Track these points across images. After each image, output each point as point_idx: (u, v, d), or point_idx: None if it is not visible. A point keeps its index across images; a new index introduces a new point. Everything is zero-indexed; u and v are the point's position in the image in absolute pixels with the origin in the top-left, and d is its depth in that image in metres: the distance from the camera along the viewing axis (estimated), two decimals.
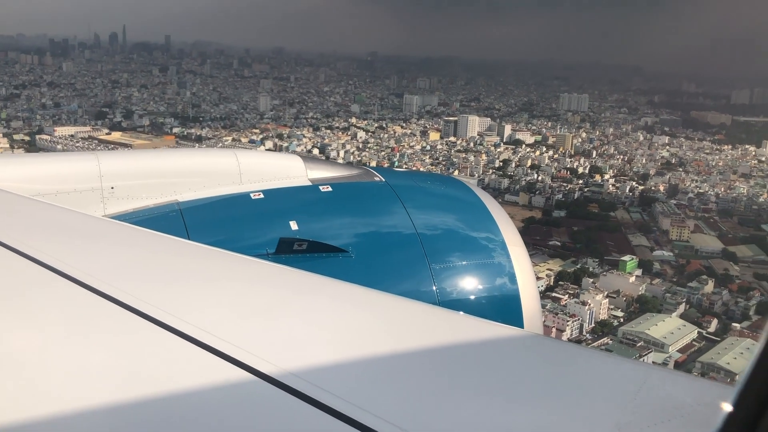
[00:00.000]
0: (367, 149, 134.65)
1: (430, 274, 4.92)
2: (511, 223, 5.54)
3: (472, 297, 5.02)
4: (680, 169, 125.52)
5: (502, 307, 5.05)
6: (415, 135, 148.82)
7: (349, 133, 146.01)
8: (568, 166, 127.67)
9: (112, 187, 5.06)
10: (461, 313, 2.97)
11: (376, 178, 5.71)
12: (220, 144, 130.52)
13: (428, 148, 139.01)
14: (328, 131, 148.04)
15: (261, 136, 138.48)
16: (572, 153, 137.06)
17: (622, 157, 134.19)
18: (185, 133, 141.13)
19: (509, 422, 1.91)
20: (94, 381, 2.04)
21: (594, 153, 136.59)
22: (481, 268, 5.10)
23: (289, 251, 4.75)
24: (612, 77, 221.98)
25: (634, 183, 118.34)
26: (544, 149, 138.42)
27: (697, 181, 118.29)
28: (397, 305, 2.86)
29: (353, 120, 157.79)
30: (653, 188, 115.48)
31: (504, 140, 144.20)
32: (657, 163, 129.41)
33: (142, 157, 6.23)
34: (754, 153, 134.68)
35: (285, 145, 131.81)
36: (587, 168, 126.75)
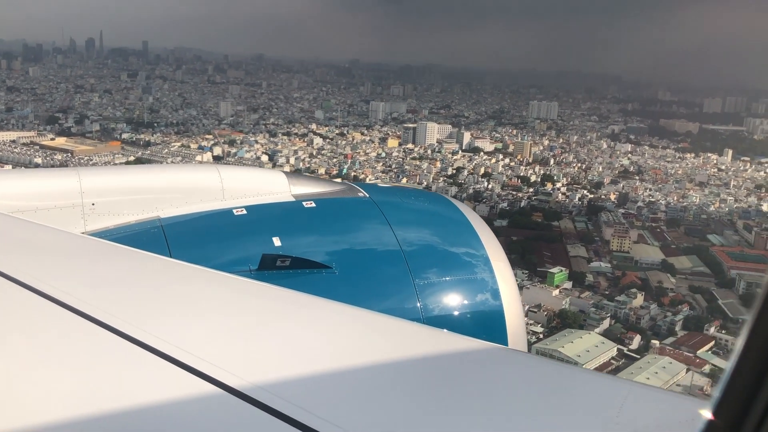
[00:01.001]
0: (318, 156, 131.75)
1: (414, 290, 4.89)
2: (495, 239, 5.49)
3: (456, 313, 4.99)
4: (636, 177, 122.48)
5: (486, 323, 5.03)
6: (373, 142, 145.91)
7: (305, 140, 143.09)
8: (522, 174, 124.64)
9: (93, 204, 5.01)
10: (444, 330, 3.04)
11: (360, 194, 5.69)
12: (166, 150, 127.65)
13: (383, 155, 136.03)
14: (285, 137, 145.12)
15: (212, 142, 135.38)
16: (530, 161, 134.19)
17: (579, 165, 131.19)
18: (134, 139, 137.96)
19: None
20: (69, 401, 2.01)
21: (552, 161, 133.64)
22: (465, 283, 5.07)
23: (272, 267, 4.72)
24: (589, 85, 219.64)
25: (585, 192, 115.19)
26: (501, 157, 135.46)
27: (651, 189, 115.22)
28: (379, 323, 2.90)
29: (314, 126, 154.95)
30: (603, 197, 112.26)
31: (463, 148, 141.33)
32: (614, 172, 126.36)
33: (123, 172, 6.02)
34: (715, 161, 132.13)
35: (234, 151, 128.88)
36: (541, 176, 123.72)
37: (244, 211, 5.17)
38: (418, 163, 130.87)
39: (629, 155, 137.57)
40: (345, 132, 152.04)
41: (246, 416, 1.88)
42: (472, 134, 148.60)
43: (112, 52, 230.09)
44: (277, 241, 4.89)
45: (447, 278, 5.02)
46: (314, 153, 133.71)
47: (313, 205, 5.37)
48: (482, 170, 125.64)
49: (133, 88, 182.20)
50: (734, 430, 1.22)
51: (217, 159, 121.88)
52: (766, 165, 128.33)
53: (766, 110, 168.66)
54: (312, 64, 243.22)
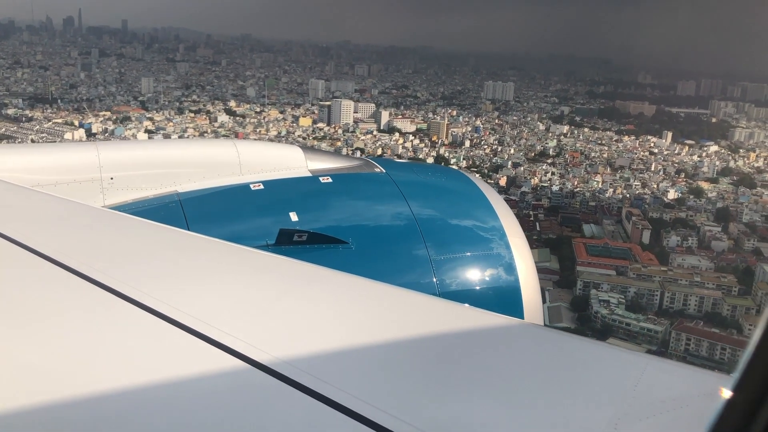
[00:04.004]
0: (210, 135, 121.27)
1: (430, 265, 4.90)
2: (512, 214, 5.46)
3: (473, 288, 4.99)
4: (549, 161, 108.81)
5: (503, 297, 5.03)
6: (286, 120, 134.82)
7: (209, 117, 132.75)
8: (422, 156, 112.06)
9: (112, 178, 5.04)
10: (460, 303, 3.05)
11: (377, 169, 5.69)
12: (38, 127, 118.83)
13: (284, 133, 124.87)
14: (191, 114, 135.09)
15: (100, 119, 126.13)
16: (446, 142, 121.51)
17: (490, 147, 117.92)
18: (18, 115, 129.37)
19: (507, 413, 1.92)
20: (92, 371, 2.04)
21: (468, 143, 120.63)
22: (482, 259, 5.06)
23: (289, 242, 4.75)
24: (571, 68, 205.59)
25: (478, 176, 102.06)
26: (411, 138, 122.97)
27: (555, 173, 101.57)
28: (396, 296, 2.92)
29: (232, 103, 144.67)
30: (489, 181, 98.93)
31: (381, 128, 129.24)
32: (529, 154, 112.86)
33: (141, 147, 6.05)
34: (652, 144, 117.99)
35: (113, 128, 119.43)
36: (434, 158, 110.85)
37: (261, 186, 5.18)
38: (317, 143, 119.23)
39: (562, 137, 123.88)
40: (264, 110, 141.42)
41: (270, 389, 1.88)
42: (391, 114, 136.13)
43: (88, 30, 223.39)
44: (294, 216, 4.90)
45: (463, 253, 4.97)
46: (208, 131, 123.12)
47: (330, 180, 5.35)
48: (379, 151, 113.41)
49: (74, 65, 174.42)
50: (754, 408, 1.21)
51: (91, 135, 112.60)
52: (706, 149, 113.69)
53: (741, 94, 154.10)
54: (296, 45, 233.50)
